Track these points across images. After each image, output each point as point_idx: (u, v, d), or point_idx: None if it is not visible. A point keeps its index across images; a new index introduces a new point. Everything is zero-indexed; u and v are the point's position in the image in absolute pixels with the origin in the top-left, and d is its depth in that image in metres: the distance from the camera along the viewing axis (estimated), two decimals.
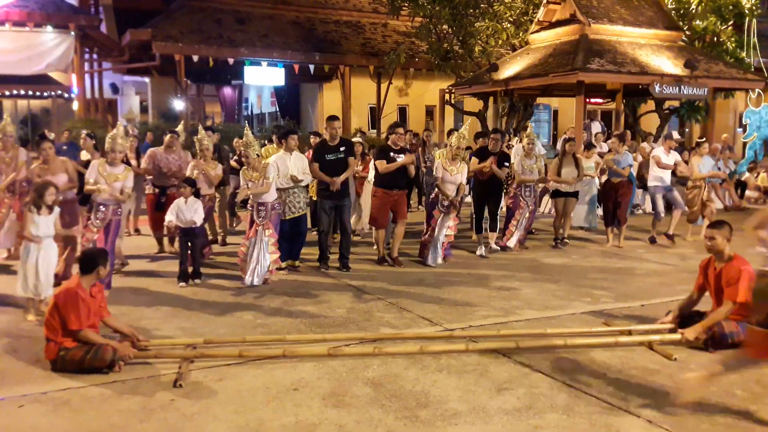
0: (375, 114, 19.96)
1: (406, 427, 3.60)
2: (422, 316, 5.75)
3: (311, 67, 18.56)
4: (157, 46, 16.36)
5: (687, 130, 20.76)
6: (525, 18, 16.52)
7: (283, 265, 7.52)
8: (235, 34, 17.65)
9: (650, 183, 9.89)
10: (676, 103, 17.02)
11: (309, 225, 8.32)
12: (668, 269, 7.88)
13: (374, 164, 8.07)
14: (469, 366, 4.49)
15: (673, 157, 9.80)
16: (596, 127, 14.81)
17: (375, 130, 19.51)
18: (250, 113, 27.31)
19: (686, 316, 5.16)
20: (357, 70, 18.97)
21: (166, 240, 8.52)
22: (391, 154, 7.84)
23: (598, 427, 3.60)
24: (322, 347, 4.79)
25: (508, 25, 16.24)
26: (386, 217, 8.06)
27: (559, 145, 11.64)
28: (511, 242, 8.96)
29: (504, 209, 9.54)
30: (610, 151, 9.94)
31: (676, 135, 11.01)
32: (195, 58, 17.03)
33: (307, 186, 7.79)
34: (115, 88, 24.38)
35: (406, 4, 16.21)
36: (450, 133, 10.35)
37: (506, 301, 6.32)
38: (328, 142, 7.63)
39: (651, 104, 16.92)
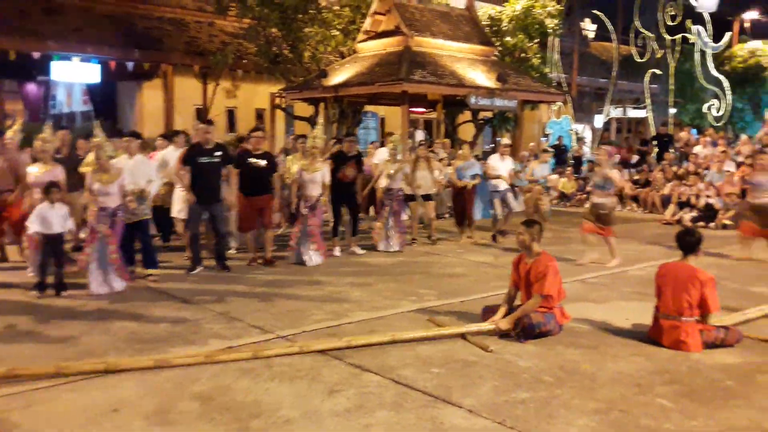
0: (201, 116, 19.25)
1: None
2: (254, 324, 5.65)
3: (130, 64, 17.45)
4: None
5: (499, 139, 22.52)
6: (353, 27, 16.90)
7: (150, 271, 7.23)
8: (43, 26, 16.08)
9: (489, 188, 10.66)
10: (489, 114, 18.39)
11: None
12: (485, 267, 8.48)
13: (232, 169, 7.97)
14: (302, 371, 4.50)
15: (508, 163, 10.67)
16: (419, 135, 15.51)
17: None
18: (58, 112, 25.05)
19: (510, 312, 5.58)
20: (181, 70, 18.17)
21: (13, 248, 7.91)
22: (250, 159, 7.90)
23: (424, 420, 3.78)
24: (146, 362, 4.53)
25: (337, 33, 16.51)
26: (253, 221, 8.13)
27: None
28: (396, 245, 9.35)
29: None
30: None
31: (505, 140, 11.95)
32: None
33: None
34: None
35: (234, 5, 15.86)
36: (299, 138, 10.30)
37: (338, 304, 6.41)
38: (203, 145, 7.61)
39: (468, 114, 18.10)
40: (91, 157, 7.50)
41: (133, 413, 3.79)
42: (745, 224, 9.12)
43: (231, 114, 20.17)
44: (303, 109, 17.79)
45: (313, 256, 8.27)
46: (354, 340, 5.02)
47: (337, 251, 8.96)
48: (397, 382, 4.32)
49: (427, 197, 10.04)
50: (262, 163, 7.97)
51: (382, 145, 11.54)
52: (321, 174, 8.34)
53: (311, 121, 16.32)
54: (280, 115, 18.86)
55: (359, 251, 9.16)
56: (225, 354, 4.74)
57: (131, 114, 19.94)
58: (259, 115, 20.56)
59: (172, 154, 8.48)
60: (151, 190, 7.50)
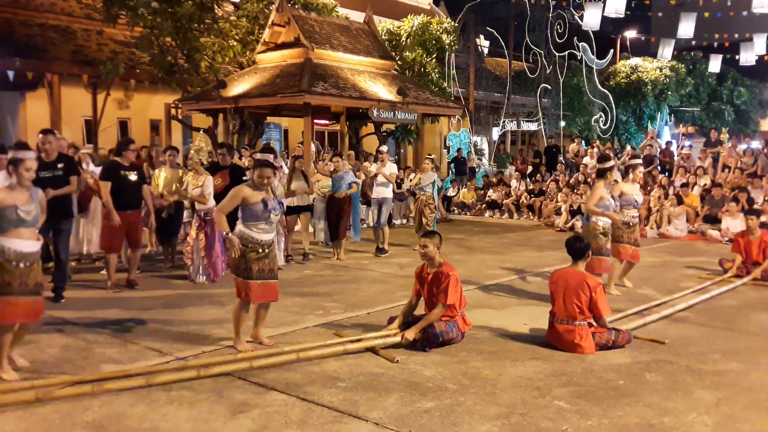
0: (91, 127, 18.30)
1: None
2: (150, 347, 5.38)
3: (10, 73, 16.32)
4: None
5: (402, 151, 22.92)
6: (251, 37, 16.65)
7: None
8: None
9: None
10: (392, 126, 18.65)
11: None
12: (389, 278, 8.54)
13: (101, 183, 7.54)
14: (203, 394, 4.32)
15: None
16: (312, 147, 15.22)
17: (92, 145, 17.89)
18: None
19: (409, 321, 5.63)
20: (68, 80, 17.19)
21: None
22: (122, 171, 7.56)
23: None
24: (28, 393, 4.19)
25: (235, 43, 16.21)
26: (120, 240, 7.62)
27: (289, 163, 11.99)
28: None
29: None
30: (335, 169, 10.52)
31: (383, 148, 12.34)
32: None
33: None
34: None
35: (124, 13, 15.20)
36: (168, 149, 9.77)
37: None
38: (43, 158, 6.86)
39: (371, 127, 18.27)
40: None
41: None
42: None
43: (124, 125, 19.32)
44: (201, 120, 17.32)
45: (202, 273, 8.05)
46: (256, 361, 4.84)
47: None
48: (303, 399, 4.24)
49: (305, 209, 9.76)
50: (133, 175, 7.64)
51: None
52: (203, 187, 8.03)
53: (210, 132, 15.89)
54: (176, 126, 18.26)
55: None
56: (114, 383, 4.43)
57: (13, 126, 18.67)
58: (155, 126, 19.83)
59: None
60: None
